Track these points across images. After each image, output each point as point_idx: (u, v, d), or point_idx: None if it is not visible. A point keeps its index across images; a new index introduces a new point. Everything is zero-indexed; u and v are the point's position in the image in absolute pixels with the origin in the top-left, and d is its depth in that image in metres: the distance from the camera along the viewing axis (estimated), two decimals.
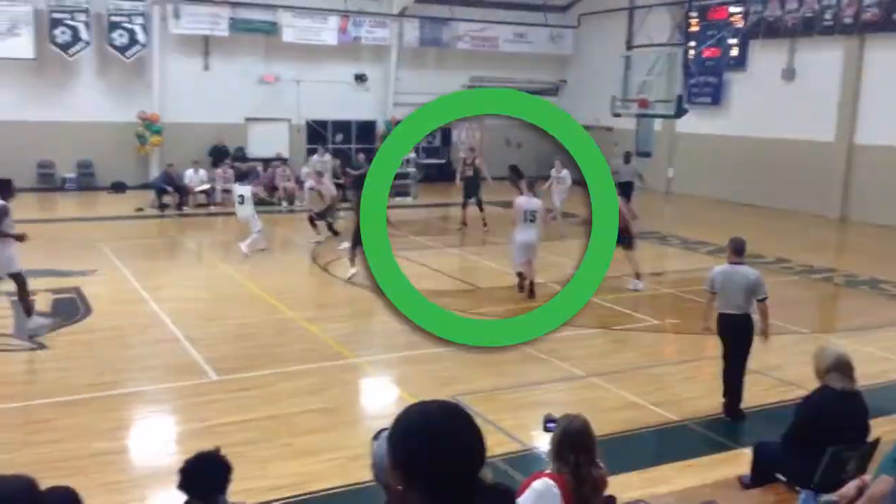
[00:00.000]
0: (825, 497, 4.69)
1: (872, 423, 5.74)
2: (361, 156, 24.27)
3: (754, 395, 8.32)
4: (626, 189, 20.19)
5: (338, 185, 23.12)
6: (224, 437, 6.98)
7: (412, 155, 25.90)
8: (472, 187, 18.57)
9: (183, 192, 21.16)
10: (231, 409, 7.85)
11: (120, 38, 22.77)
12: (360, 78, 26.81)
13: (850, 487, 4.18)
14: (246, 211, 15.54)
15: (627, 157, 20.83)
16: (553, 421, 4.29)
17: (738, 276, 7.82)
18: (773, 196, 22.37)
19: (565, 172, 18.25)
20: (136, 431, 7.63)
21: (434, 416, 1.99)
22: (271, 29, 24.44)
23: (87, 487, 6.19)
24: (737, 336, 7.89)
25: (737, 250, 7.99)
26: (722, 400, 8.04)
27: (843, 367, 5.66)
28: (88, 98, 23.08)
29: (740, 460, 6.76)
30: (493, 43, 27.96)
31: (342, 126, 27.14)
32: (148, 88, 23.68)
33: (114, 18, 22.61)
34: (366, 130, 27.29)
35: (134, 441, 7.39)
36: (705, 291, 8.12)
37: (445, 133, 28.42)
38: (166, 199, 21.07)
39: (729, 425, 7.85)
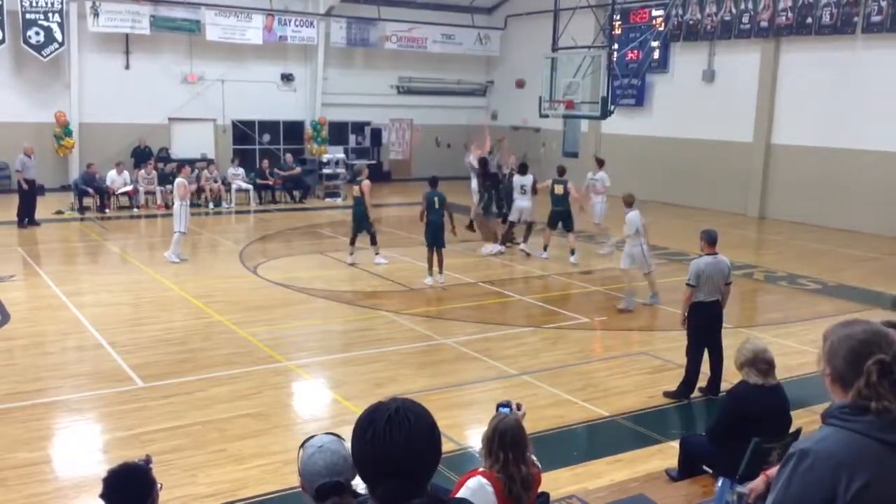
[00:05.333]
0: (739, 488, 4.86)
1: (793, 414, 5.95)
2: (289, 156, 24.10)
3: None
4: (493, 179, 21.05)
5: (266, 186, 22.98)
6: (153, 444, 6.85)
7: (341, 156, 25.81)
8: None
9: (104, 193, 20.64)
10: (159, 416, 7.69)
11: (36, 35, 22.02)
12: (287, 78, 26.53)
13: (758, 482, 4.36)
14: (174, 207, 15.11)
15: (492, 150, 21.68)
16: (507, 406, 4.34)
17: (721, 265, 8.40)
18: (696, 195, 22.98)
19: (602, 175, 16.76)
20: (59, 441, 7.39)
21: (380, 418, 1.99)
22: (194, 27, 23.98)
23: (10, 500, 6.02)
24: (717, 319, 8.50)
25: (711, 241, 8.49)
26: (700, 386, 8.55)
27: (758, 362, 5.85)
28: (4, 98, 22.26)
29: (668, 453, 6.94)
30: (421, 44, 28.01)
31: (269, 126, 26.82)
32: (66, 88, 23.00)
33: (29, 16, 21.84)
34: (294, 131, 27.03)
35: (58, 451, 7.16)
36: (689, 286, 8.34)
37: (375, 133, 28.37)
38: (87, 201, 20.51)
39: (656, 419, 8.05)
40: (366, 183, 14.40)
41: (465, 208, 17.75)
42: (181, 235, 14.62)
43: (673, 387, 8.53)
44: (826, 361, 2.41)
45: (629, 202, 12.59)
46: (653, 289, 12.34)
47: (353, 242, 14.72)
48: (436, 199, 13.25)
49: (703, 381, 8.56)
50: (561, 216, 15.32)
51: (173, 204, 15.31)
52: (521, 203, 15.78)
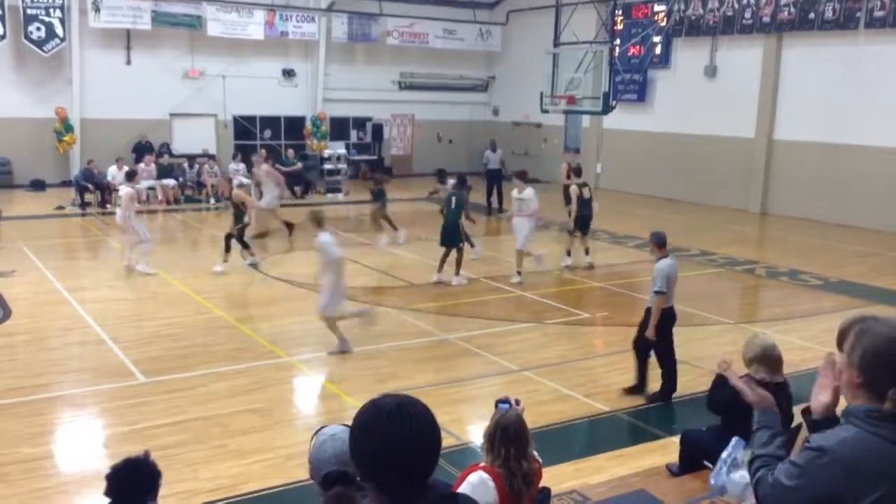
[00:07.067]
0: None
1: (795, 409, 5.94)
2: (291, 152, 24.11)
3: (680, 384, 8.54)
4: (494, 176, 20.86)
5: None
6: (155, 439, 6.87)
7: (343, 151, 25.81)
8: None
9: (105, 189, 20.63)
10: (161, 412, 7.70)
11: (37, 31, 22.01)
12: (289, 73, 26.52)
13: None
14: (118, 216, 13.81)
15: (494, 146, 21.48)
16: (506, 402, 4.34)
17: (676, 265, 8.29)
18: (698, 191, 22.96)
19: (528, 193, 13.47)
20: (61, 436, 7.41)
21: (381, 415, 1.99)
22: (195, 23, 23.94)
23: (12, 495, 6.04)
24: (673, 324, 8.28)
25: (662, 244, 8.28)
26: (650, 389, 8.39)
27: (767, 359, 5.83)
28: (4, 93, 22.26)
29: (669, 448, 6.93)
30: (422, 39, 27.98)
31: (271, 122, 26.82)
32: (67, 84, 22.99)
33: (30, 11, 21.82)
34: (295, 126, 27.01)
35: (60, 446, 7.18)
36: (661, 293, 8.02)
37: (377, 129, 28.35)
38: (88, 197, 20.51)
39: (657, 414, 8.06)
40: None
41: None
42: (148, 245, 13.57)
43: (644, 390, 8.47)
44: (858, 369, 2.36)
45: (319, 220, 9.84)
46: (336, 333, 9.60)
47: (248, 247, 14.01)
48: (453, 198, 13.11)
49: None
50: (588, 221, 14.52)
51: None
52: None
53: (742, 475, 5.24)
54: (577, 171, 15.08)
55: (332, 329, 9.57)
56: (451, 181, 14.38)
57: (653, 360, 8.39)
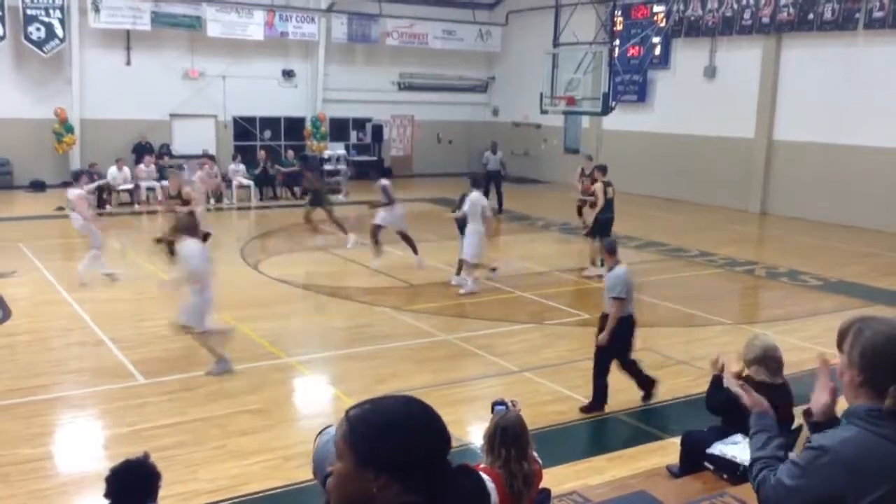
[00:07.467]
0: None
1: (795, 410, 5.94)
2: (291, 152, 24.12)
3: (681, 385, 8.56)
4: (493, 177, 20.69)
5: (265, 176, 22.97)
6: (154, 440, 6.86)
7: (342, 152, 25.81)
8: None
9: (103, 190, 20.59)
10: (161, 413, 7.70)
11: (37, 31, 22.01)
12: (288, 74, 26.52)
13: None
14: (76, 221, 13.02)
15: (494, 148, 21.44)
16: (502, 404, 4.33)
17: (631, 274, 8.10)
18: (698, 192, 22.97)
19: (474, 196, 12.76)
20: (61, 437, 7.41)
21: (404, 409, 1.98)
22: (195, 23, 23.94)
23: (12, 496, 6.03)
24: (633, 330, 8.08)
25: (613, 251, 8.21)
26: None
27: (767, 361, 5.82)
28: (4, 94, 22.25)
29: (669, 450, 6.93)
30: (422, 40, 27.98)
31: (270, 122, 26.80)
32: (67, 84, 22.98)
33: (30, 12, 21.83)
34: (295, 127, 27.00)
35: (59, 447, 7.18)
36: (620, 300, 7.78)
37: (376, 130, 28.35)
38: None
39: (657, 415, 8.05)
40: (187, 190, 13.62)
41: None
42: (98, 252, 12.87)
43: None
44: (858, 368, 2.36)
45: (184, 228, 9.19)
46: (215, 353, 8.87)
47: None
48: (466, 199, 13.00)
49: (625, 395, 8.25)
50: (611, 224, 13.94)
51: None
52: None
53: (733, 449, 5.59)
54: (603, 170, 14.31)
55: (206, 346, 8.86)
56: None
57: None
